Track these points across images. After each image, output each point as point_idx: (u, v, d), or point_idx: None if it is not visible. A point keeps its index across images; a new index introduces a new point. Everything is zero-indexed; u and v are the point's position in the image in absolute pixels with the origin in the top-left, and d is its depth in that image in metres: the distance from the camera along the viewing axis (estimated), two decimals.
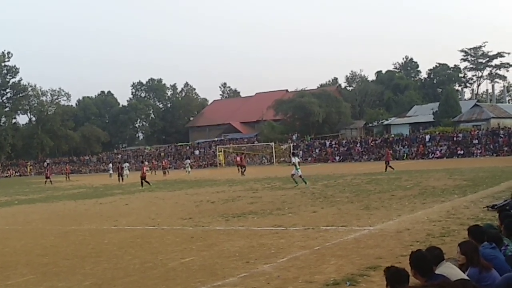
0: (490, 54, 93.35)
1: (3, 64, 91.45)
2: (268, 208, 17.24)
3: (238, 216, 15.88)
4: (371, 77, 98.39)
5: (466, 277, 4.96)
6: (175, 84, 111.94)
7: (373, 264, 8.49)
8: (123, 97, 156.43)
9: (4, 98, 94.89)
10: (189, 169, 49.84)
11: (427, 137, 58.19)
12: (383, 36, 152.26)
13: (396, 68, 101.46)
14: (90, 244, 12.59)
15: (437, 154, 54.80)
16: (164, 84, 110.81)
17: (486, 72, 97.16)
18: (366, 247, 10.08)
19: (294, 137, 71.40)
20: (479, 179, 23.94)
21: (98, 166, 79.73)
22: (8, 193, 36.42)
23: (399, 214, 14.22)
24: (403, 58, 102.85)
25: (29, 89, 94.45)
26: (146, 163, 59.13)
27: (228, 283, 8.06)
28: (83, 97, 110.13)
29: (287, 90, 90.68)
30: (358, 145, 62.15)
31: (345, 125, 76.68)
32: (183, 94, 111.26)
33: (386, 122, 72.59)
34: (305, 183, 25.32)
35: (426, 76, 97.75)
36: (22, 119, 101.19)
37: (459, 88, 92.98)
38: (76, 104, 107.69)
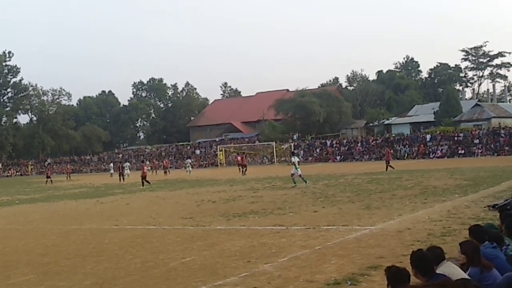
0: (491, 53, 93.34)
1: (4, 63, 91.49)
2: (269, 208, 17.25)
3: (239, 215, 15.89)
4: (372, 76, 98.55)
5: (467, 277, 4.96)
6: (176, 83, 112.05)
7: (374, 264, 8.50)
8: (124, 96, 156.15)
9: (5, 97, 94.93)
10: (190, 168, 49.80)
11: (428, 136, 58.16)
12: (384, 36, 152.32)
13: (397, 67, 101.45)
14: (91, 244, 12.60)
15: (438, 153, 54.77)
16: (165, 83, 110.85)
17: (487, 72, 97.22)
18: (367, 246, 10.09)
19: (295, 137, 71.38)
20: (480, 178, 23.93)
21: (99, 166, 79.75)
22: (9, 192, 36.44)
23: (400, 213, 14.22)
24: (404, 58, 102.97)
25: (30, 88, 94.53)
26: (148, 162, 59.29)
27: (229, 283, 8.07)
28: (84, 97, 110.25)
29: (288, 90, 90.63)
30: (359, 144, 62.12)
31: (346, 124, 76.64)
32: (184, 94, 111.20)
33: (387, 122, 72.56)
34: (305, 182, 25.35)
35: (427, 75, 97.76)
36: (23, 118, 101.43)
37: (460, 88, 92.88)
38: (77, 104, 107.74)
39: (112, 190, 31.93)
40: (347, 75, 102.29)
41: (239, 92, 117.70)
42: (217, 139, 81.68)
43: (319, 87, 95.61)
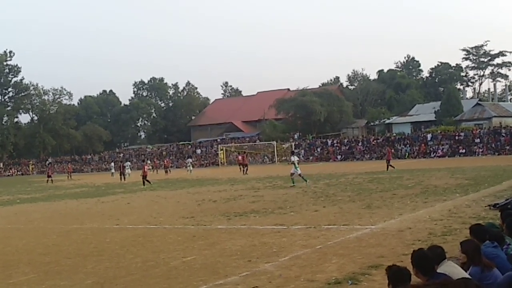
0: (492, 53, 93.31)
1: (5, 63, 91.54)
2: (270, 207, 17.26)
3: (240, 215, 15.90)
4: (373, 76, 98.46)
5: (468, 276, 4.96)
6: (176, 83, 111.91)
7: (375, 263, 8.50)
8: (125, 96, 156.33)
9: (6, 97, 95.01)
10: (191, 168, 49.84)
11: (429, 136, 58.15)
12: (384, 35, 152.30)
13: (397, 67, 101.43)
14: (92, 243, 12.61)
15: (438, 153, 54.75)
16: (166, 83, 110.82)
17: (488, 71, 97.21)
18: (367, 246, 10.09)
19: (295, 136, 71.39)
20: (481, 178, 23.92)
21: (100, 165, 79.78)
22: (10, 192, 36.48)
23: (401, 213, 14.22)
24: (404, 57, 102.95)
25: (31, 88, 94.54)
26: (149, 162, 59.38)
27: (230, 282, 8.07)
28: (85, 96, 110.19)
29: (288, 89, 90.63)
30: (359, 144, 62.11)
31: (346, 124, 76.63)
32: (185, 93, 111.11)
33: (387, 121, 72.51)
34: (306, 181, 25.42)
35: (427, 75, 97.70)
36: (24, 118, 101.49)
37: (461, 87, 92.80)
38: (78, 103, 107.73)
39: (113, 190, 31.94)
40: (348, 75, 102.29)
41: (240, 91, 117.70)
42: (218, 139, 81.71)
43: (320, 86, 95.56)
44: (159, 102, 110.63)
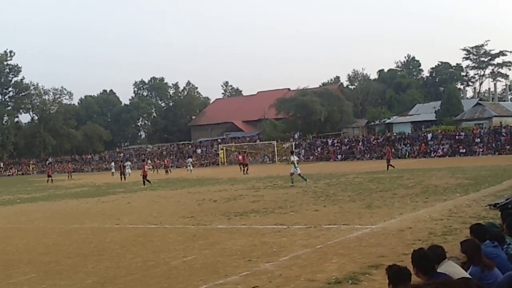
0: (492, 52, 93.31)
1: (5, 63, 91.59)
2: (270, 207, 17.26)
3: (240, 214, 15.90)
4: (373, 75, 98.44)
5: (468, 276, 4.96)
6: (177, 83, 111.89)
7: (375, 263, 8.50)
8: (125, 96, 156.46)
9: (6, 96, 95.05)
10: (191, 167, 49.84)
11: (429, 135, 58.11)
12: (385, 35, 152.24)
13: (398, 66, 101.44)
14: (92, 243, 12.61)
15: (439, 152, 54.73)
16: (166, 83, 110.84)
17: (488, 71, 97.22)
18: (368, 245, 10.09)
19: (296, 136, 71.38)
20: (481, 177, 23.91)
21: (100, 165, 79.79)
22: (10, 191, 36.49)
23: (401, 212, 14.22)
24: (405, 57, 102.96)
25: (31, 87, 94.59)
26: (149, 161, 59.39)
27: (230, 282, 8.07)
28: (85, 96, 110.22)
29: (289, 89, 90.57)
30: (360, 143, 62.08)
31: (347, 123, 76.61)
32: (185, 93, 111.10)
33: (388, 121, 72.48)
34: (305, 180, 25.44)
35: (428, 74, 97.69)
36: (24, 117, 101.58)
37: (461, 87, 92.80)
38: (78, 103, 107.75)
39: (113, 189, 31.95)
40: (348, 74, 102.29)
41: (240, 91, 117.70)
42: (218, 138, 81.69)
43: (320, 86, 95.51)
44: (160, 102, 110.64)
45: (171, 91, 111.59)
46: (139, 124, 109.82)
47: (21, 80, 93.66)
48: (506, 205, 12.31)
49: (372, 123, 74.72)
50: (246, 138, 77.59)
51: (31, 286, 8.78)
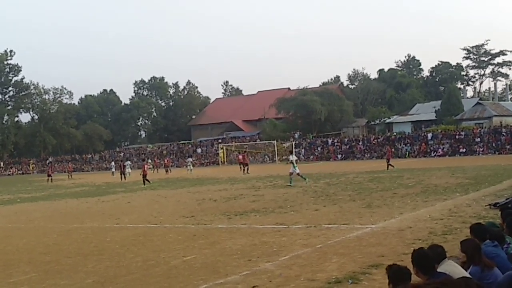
0: (492, 52, 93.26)
1: (5, 62, 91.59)
2: (270, 206, 17.26)
3: (240, 214, 15.90)
4: (373, 75, 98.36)
5: (468, 275, 4.96)
6: (177, 82, 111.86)
7: (375, 262, 8.50)
8: (126, 95, 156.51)
9: (6, 96, 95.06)
10: (191, 167, 49.82)
11: (429, 135, 58.12)
12: (385, 35, 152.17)
13: (398, 66, 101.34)
14: (93, 242, 12.62)
15: (439, 152, 54.73)
16: (166, 82, 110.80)
17: (488, 70, 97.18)
18: (368, 245, 10.09)
19: (296, 135, 71.37)
20: (481, 177, 23.91)
21: (101, 164, 79.82)
22: (10, 191, 36.49)
23: (401, 212, 14.22)
24: (405, 57, 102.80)
25: (32, 87, 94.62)
26: (149, 161, 59.39)
27: (230, 281, 8.07)
28: (86, 96, 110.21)
29: (289, 89, 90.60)
30: (360, 143, 62.09)
31: (347, 123, 76.60)
32: (185, 93, 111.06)
33: (388, 120, 72.44)
34: (305, 179, 25.46)
35: (428, 74, 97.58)
36: (24, 117, 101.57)
37: (461, 86, 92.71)
38: (78, 103, 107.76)
39: (114, 189, 31.95)
40: (349, 74, 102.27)
41: (241, 90, 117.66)
42: (218, 138, 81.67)
43: (320, 85, 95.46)
44: (160, 101, 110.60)
45: (171, 91, 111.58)
46: (139, 123, 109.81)
47: (21, 79, 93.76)
48: (506, 205, 12.31)
49: (372, 123, 74.69)
50: (246, 138, 77.58)
51: (31, 285, 8.78)
